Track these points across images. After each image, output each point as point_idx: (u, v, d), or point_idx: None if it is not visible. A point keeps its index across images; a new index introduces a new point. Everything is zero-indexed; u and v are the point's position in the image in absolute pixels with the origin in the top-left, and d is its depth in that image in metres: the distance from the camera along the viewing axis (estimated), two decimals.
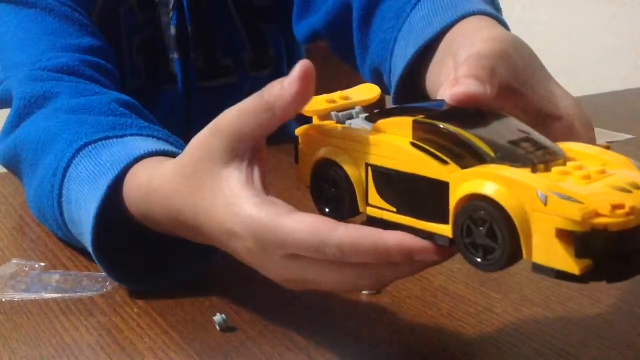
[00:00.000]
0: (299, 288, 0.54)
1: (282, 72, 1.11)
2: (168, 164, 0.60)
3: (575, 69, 2.28)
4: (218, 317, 0.59)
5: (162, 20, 1.01)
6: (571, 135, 0.55)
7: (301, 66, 0.51)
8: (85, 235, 0.64)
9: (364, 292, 0.63)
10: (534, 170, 0.44)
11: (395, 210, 0.48)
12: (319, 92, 0.54)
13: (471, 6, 0.70)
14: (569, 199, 0.41)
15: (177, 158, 0.58)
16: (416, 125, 0.48)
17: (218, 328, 0.59)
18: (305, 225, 0.49)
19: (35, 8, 0.87)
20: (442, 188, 0.45)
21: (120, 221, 0.64)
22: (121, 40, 0.98)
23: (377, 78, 0.84)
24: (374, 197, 0.49)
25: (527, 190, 0.42)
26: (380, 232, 0.47)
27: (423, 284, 0.65)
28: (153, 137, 0.70)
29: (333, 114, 0.53)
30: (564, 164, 0.45)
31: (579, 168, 0.44)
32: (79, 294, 0.65)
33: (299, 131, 0.53)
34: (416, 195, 0.47)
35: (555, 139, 0.50)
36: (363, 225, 0.49)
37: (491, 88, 0.51)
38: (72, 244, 0.72)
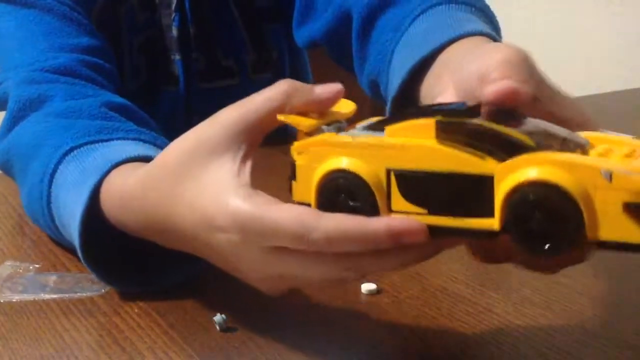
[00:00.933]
0: (275, 288, 0.53)
1: (284, 74, 1.11)
2: (145, 166, 0.59)
3: (575, 69, 2.28)
4: (218, 317, 0.59)
5: (163, 21, 1.01)
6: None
7: (339, 87, 0.53)
8: (74, 239, 0.65)
9: (363, 291, 0.63)
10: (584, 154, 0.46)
11: (426, 211, 0.48)
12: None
13: (471, 26, 0.70)
14: (632, 173, 0.42)
15: (158, 157, 0.58)
16: (440, 125, 0.47)
17: (218, 328, 0.59)
18: (291, 215, 0.48)
19: (34, 7, 0.87)
20: (484, 182, 0.46)
21: (106, 224, 0.63)
22: (121, 41, 0.98)
23: (375, 89, 0.84)
24: (399, 202, 0.48)
25: (589, 170, 0.43)
26: (367, 219, 0.47)
27: (423, 284, 0.65)
28: (139, 140, 0.70)
29: (325, 127, 0.52)
30: (595, 149, 0.47)
31: (612, 150, 0.46)
32: (78, 294, 0.65)
33: (296, 147, 0.51)
34: (452, 193, 0.47)
35: None
36: (346, 214, 0.48)
37: (529, 87, 0.51)
38: (67, 246, 0.72)
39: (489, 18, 0.78)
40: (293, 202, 0.51)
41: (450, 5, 0.76)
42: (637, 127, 1.09)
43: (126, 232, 0.63)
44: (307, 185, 0.51)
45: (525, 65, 0.53)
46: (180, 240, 0.56)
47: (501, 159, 0.45)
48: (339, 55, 0.93)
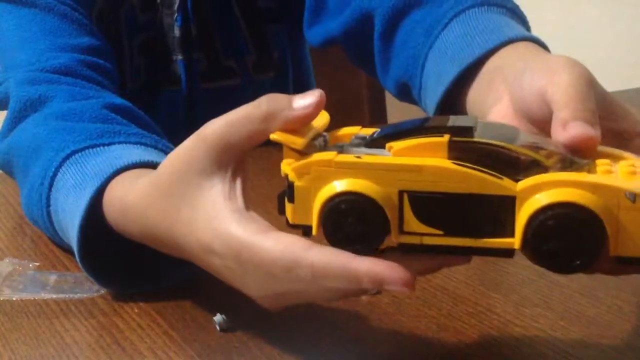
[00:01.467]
0: (278, 305, 0.54)
1: (286, 75, 1.11)
2: (144, 178, 0.59)
3: None
4: (218, 317, 0.59)
5: (164, 21, 1.01)
6: None
7: (318, 94, 0.50)
8: (72, 243, 0.65)
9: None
10: (590, 172, 0.47)
11: (442, 232, 0.47)
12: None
13: (514, 31, 0.70)
14: None
15: (154, 171, 0.57)
16: (452, 144, 0.47)
17: (218, 328, 0.59)
18: (280, 246, 0.48)
19: (34, 7, 0.87)
20: (504, 202, 0.46)
21: (105, 230, 0.64)
22: (121, 41, 0.98)
23: (403, 90, 0.84)
24: (412, 223, 0.47)
25: (613, 192, 0.45)
26: (352, 257, 0.47)
27: (423, 284, 0.64)
28: (140, 144, 0.70)
29: (317, 143, 0.51)
30: (595, 165, 0.48)
31: (613, 166, 0.47)
32: (77, 294, 0.65)
33: (292, 169, 0.49)
34: (470, 214, 0.47)
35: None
36: (335, 249, 0.48)
37: (599, 128, 0.51)
38: (67, 248, 0.72)
39: (521, 19, 0.77)
40: (287, 223, 0.50)
41: (483, 7, 0.75)
42: None
43: (127, 238, 0.63)
44: (306, 207, 0.49)
45: (591, 91, 0.53)
46: (183, 255, 0.57)
47: (515, 178, 0.46)
48: (356, 54, 0.93)
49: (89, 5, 0.92)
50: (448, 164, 0.47)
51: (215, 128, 0.53)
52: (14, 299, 0.64)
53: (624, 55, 2.23)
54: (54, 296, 0.65)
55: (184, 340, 0.58)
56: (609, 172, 0.47)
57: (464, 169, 0.46)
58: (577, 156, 0.49)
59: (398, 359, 0.56)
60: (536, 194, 0.45)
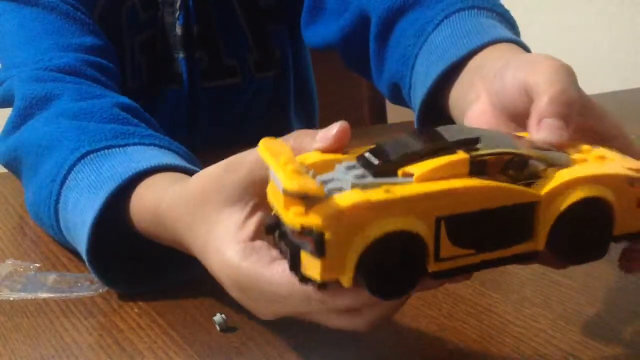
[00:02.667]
0: (283, 316, 0.53)
1: (287, 74, 1.11)
2: (176, 187, 0.60)
3: (575, 69, 2.27)
4: (218, 317, 0.59)
5: (165, 20, 1.01)
6: (629, 148, 0.56)
7: (340, 126, 0.49)
8: (79, 242, 0.65)
9: None
10: (573, 164, 0.50)
11: (473, 252, 0.47)
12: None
13: (498, 32, 0.71)
14: None
15: (186, 184, 0.58)
16: (473, 160, 0.46)
17: (218, 328, 0.59)
18: (286, 280, 0.48)
19: (37, 6, 0.87)
20: (529, 209, 0.47)
21: (115, 230, 0.64)
22: (123, 39, 0.98)
23: (395, 92, 0.84)
24: (447, 248, 0.46)
25: (617, 179, 0.49)
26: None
27: None
28: (154, 145, 0.70)
29: (319, 179, 0.46)
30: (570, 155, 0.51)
31: (581, 154, 0.51)
32: (75, 293, 0.65)
33: (324, 221, 0.42)
34: (499, 226, 0.47)
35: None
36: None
37: (569, 131, 0.52)
38: (69, 248, 0.72)
39: (510, 23, 0.78)
40: (305, 280, 0.45)
41: (472, 10, 0.76)
42: (637, 127, 1.09)
43: (137, 240, 0.64)
44: (341, 259, 0.43)
45: (572, 79, 0.54)
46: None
47: (530, 181, 0.47)
48: (352, 58, 0.93)
49: (91, 4, 0.92)
50: (478, 182, 0.46)
51: (247, 158, 0.53)
52: (12, 298, 0.64)
53: (623, 55, 2.23)
54: (52, 296, 0.65)
55: (184, 340, 0.58)
56: (585, 160, 0.50)
57: (495, 184, 0.46)
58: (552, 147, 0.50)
59: (398, 359, 0.56)
60: (560, 196, 0.47)
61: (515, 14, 0.81)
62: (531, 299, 0.62)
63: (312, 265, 0.44)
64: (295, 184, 0.42)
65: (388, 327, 0.59)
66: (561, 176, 0.47)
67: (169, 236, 0.60)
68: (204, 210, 0.55)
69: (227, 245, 0.52)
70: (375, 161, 0.46)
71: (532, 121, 0.53)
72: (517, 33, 0.78)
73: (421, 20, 0.78)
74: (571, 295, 0.62)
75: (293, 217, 0.43)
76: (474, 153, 0.46)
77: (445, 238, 0.45)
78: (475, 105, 0.62)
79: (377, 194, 0.43)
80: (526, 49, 0.70)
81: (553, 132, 0.51)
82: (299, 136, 0.51)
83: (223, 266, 0.52)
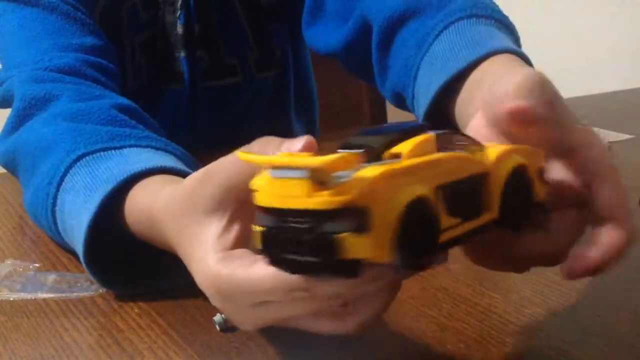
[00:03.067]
0: (277, 325, 0.53)
1: (287, 73, 1.11)
2: (167, 190, 0.59)
3: (576, 69, 2.28)
4: (218, 317, 0.59)
5: (166, 19, 1.01)
6: (603, 161, 0.54)
7: (306, 140, 0.48)
8: (77, 244, 0.65)
9: None
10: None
11: (460, 221, 0.47)
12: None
13: (497, 43, 0.71)
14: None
15: (177, 188, 0.57)
16: (438, 138, 0.47)
17: (218, 328, 0.59)
18: (270, 273, 0.47)
19: (37, 7, 0.87)
20: (486, 178, 0.50)
21: (110, 233, 0.64)
22: (123, 39, 0.98)
23: (399, 100, 0.85)
24: (445, 218, 0.45)
25: (528, 151, 0.53)
26: None
27: (423, 284, 0.65)
28: (150, 147, 0.70)
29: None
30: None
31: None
32: (75, 293, 0.65)
33: (363, 195, 0.41)
34: (472, 195, 0.48)
35: (589, 167, 0.52)
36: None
37: (540, 109, 0.52)
38: (68, 248, 0.72)
39: (509, 29, 0.79)
40: (370, 264, 0.43)
41: (471, 19, 0.76)
42: (637, 127, 1.09)
43: (134, 239, 0.64)
44: (383, 231, 0.42)
45: (539, 88, 0.53)
46: None
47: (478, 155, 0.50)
48: (355, 65, 0.94)
49: (92, 4, 0.93)
50: (455, 154, 0.48)
51: (224, 165, 0.53)
52: (11, 299, 0.64)
53: (624, 55, 2.23)
54: (52, 296, 0.65)
55: (184, 340, 0.58)
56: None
57: (467, 155, 0.49)
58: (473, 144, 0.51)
59: (398, 359, 0.56)
60: (501, 164, 0.50)
61: (516, 15, 0.81)
62: (531, 299, 0.62)
63: (357, 245, 0.42)
64: (328, 159, 0.41)
65: (388, 327, 0.59)
66: (493, 150, 0.50)
67: (161, 239, 0.59)
68: (187, 220, 0.54)
69: (207, 255, 0.51)
70: (361, 151, 0.45)
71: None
72: (516, 38, 0.79)
73: (422, 31, 0.79)
74: (571, 295, 0.62)
75: (328, 199, 0.41)
76: (438, 132, 0.48)
77: (444, 207, 0.46)
78: (472, 121, 0.62)
79: (393, 165, 0.43)
80: (524, 58, 0.70)
81: (511, 105, 0.51)
82: (263, 142, 0.51)
83: (205, 275, 0.51)
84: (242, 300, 0.50)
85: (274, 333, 0.58)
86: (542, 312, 0.60)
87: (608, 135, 1.06)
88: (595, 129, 0.59)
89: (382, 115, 1.51)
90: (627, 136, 1.06)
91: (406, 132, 0.47)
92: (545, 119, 0.52)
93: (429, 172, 0.45)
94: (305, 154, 0.47)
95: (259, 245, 0.45)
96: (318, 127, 1.22)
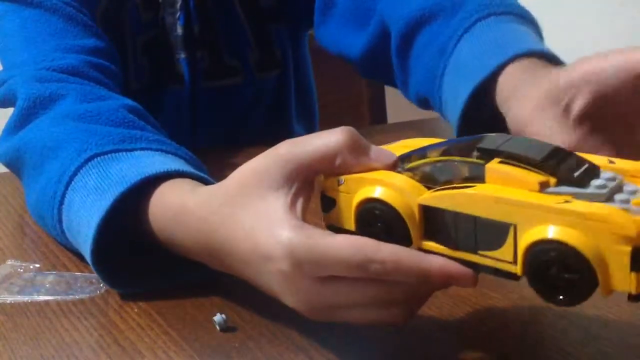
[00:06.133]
0: (324, 318, 0.54)
1: (287, 74, 1.11)
2: (206, 187, 0.61)
3: None
4: (218, 317, 0.59)
5: (166, 21, 1.01)
6: None
7: (392, 158, 0.54)
8: (83, 243, 0.65)
9: None
10: None
11: None
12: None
13: (521, 45, 0.72)
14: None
15: (221, 182, 0.59)
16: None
17: (218, 328, 0.59)
18: (349, 243, 0.49)
19: (39, 8, 0.87)
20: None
21: (117, 234, 0.64)
22: (125, 40, 0.98)
23: (424, 103, 0.87)
24: None
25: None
26: (424, 255, 0.49)
27: None
28: (161, 150, 0.70)
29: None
30: None
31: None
32: (71, 296, 0.65)
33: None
34: None
35: None
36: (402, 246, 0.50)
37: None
38: (70, 248, 0.72)
39: (529, 20, 0.80)
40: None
41: (490, 19, 0.77)
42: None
43: (142, 241, 0.64)
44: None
45: (553, 113, 0.58)
46: (232, 265, 0.57)
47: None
48: (374, 70, 0.95)
49: (93, 5, 0.93)
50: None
51: (289, 146, 0.55)
52: (9, 301, 0.64)
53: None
54: (49, 298, 0.65)
55: (184, 340, 0.58)
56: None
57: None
58: None
59: (398, 359, 0.56)
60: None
61: None
62: (531, 299, 0.62)
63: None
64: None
65: (388, 327, 0.59)
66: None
67: (187, 236, 0.60)
68: (244, 201, 0.55)
69: (280, 225, 0.52)
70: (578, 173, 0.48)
71: None
72: (538, 31, 0.80)
73: (442, 36, 0.80)
74: None
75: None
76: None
77: None
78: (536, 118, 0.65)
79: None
80: (550, 56, 0.72)
81: None
82: (349, 140, 0.54)
83: (278, 245, 0.52)
84: (315, 269, 0.51)
85: (274, 333, 0.58)
86: (542, 312, 0.60)
87: None
88: None
89: (382, 115, 1.51)
90: None
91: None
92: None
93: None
94: None
95: None
96: (318, 128, 1.22)
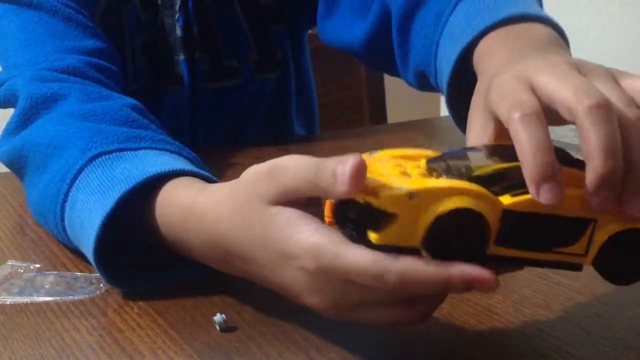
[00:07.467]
0: (345, 316, 0.53)
1: (287, 75, 1.11)
2: (214, 187, 0.60)
3: None
4: (218, 317, 0.59)
5: (165, 22, 1.01)
6: None
7: (354, 163, 0.49)
8: (85, 241, 0.65)
9: None
10: None
11: None
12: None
13: (509, 10, 0.71)
14: None
15: (229, 184, 0.58)
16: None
17: (218, 328, 0.59)
18: (367, 255, 0.49)
19: (38, 10, 0.87)
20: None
21: (120, 233, 0.64)
22: (124, 42, 0.98)
23: (422, 80, 0.86)
24: None
25: None
26: (441, 263, 0.49)
27: None
28: (166, 150, 0.70)
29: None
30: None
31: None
32: (71, 296, 0.65)
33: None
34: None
35: None
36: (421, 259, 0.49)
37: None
38: (70, 247, 0.72)
39: None
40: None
41: None
42: None
43: (144, 241, 0.64)
44: None
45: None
46: (243, 266, 0.57)
47: None
48: (377, 57, 0.94)
49: (92, 6, 0.93)
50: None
51: (285, 169, 0.53)
52: (8, 302, 0.64)
53: (624, 55, 2.23)
54: (48, 299, 0.64)
55: (184, 340, 0.58)
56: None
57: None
58: None
59: (398, 358, 0.56)
60: None
61: None
62: (531, 299, 0.62)
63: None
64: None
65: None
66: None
67: (196, 237, 0.60)
68: (251, 211, 0.54)
69: (299, 226, 0.52)
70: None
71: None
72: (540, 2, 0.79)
73: (438, 7, 0.79)
74: (571, 295, 0.62)
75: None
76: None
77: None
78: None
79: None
80: (542, 18, 0.70)
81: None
82: (323, 172, 0.51)
83: (298, 241, 0.51)
84: (336, 272, 0.51)
85: (274, 333, 0.58)
86: (542, 312, 0.60)
87: None
88: None
89: (382, 115, 1.51)
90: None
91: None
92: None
93: None
94: None
95: None
96: (318, 128, 1.22)
